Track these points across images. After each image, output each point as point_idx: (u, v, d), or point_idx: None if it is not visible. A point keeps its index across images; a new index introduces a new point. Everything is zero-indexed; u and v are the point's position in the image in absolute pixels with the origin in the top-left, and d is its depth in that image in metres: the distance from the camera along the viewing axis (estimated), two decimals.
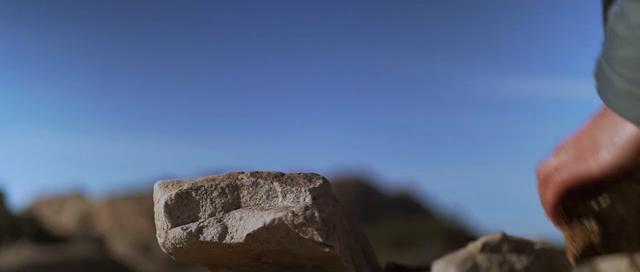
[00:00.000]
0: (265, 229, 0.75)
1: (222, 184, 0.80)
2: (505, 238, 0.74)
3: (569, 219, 0.80)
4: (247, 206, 0.79)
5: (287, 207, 0.76)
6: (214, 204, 0.79)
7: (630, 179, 0.77)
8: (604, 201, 0.78)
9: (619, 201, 0.78)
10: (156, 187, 0.82)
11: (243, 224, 0.76)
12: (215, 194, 0.79)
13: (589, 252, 0.80)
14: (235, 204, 0.79)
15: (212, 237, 0.77)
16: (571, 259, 0.81)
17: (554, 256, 0.77)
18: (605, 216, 0.78)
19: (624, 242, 0.79)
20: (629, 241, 0.79)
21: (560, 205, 0.80)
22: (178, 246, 0.78)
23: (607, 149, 0.74)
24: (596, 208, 0.78)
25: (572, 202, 0.79)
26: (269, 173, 0.80)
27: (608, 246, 0.79)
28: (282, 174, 0.80)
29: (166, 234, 0.79)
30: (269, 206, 0.77)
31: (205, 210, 0.79)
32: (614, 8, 0.73)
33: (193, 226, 0.78)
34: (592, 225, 0.79)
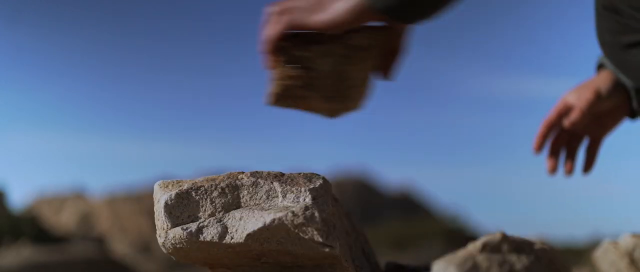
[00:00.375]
0: (265, 229, 0.75)
1: (222, 184, 0.80)
2: (505, 238, 0.75)
3: (280, 61, 0.84)
4: (247, 206, 0.79)
5: (287, 207, 0.76)
6: (214, 204, 0.79)
7: (339, 41, 0.84)
8: (314, 54, 0.84)
9: (325, 57, 0.84)
10: (156, 187, 0.82)
11: (243, 224, 0.76)
12: (215, 194, 0.79)
13: (285, 97, 0.85)
14: (235, 204, 0.79)
15: (212, 237, 0.77)
16: (268, 100, 0.86)
17: (554, 256, 0.77)
18: (310, 68, 0.84)
19: (317, 95, 0.85)
20: (320, 94, 0.85)
21: (278, 45, 0.85)
22: (178, 245, 0.78)
23: (332, 7, 0.83)
24: (305, 58, 0.84)
25: (287, 46, 0.84)
26: (269, 173, 0.80)
27: (303, 95, 0.84)
28: (282, 174, 0.80)
29: (166, 234, 0.79)
30: (269, 206, 0.77)
31: (205, 210, 0.79)
32: None
33: (193, 226, 0.78)
34: (297, 72, 0.84)
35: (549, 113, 1.34)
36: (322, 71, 0.85)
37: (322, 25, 0.84)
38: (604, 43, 1.10)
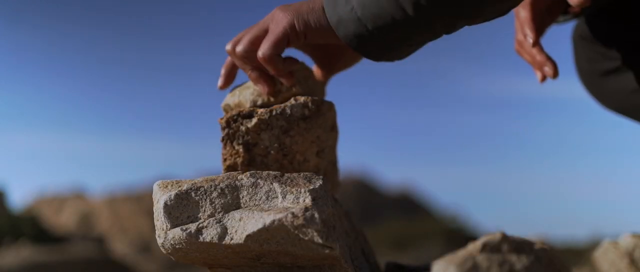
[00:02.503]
0: (265, 230, 0.74)
1: (221, 185, 0.79)
2: (505, 238, 0.74)
3: (225, 140, 0.87)
4: (246, 206, 0.78)
5: (286, 208, 0.76)
6: (213, 205, 0.79)
7: (278, 113, 0.86)
8: (253, 129, 0.86)
9: (265, 131, 0.86)
10: (156, 187, 0.81)
11: (243, 225, 0.76)
12: (214, 194, 0.79)
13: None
14: (235, 205, 0.79)
15: (212, 238, 0.77)
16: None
17: (554, 256, 0.77)
18: (252, 143, 0.87)
19: (263, 170, 0.87)
20: (267, 170, 0.87)
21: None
22: (177, 246, 0.78)
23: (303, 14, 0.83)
24: (246, 134, 0.86)
25: (228, 125, 0.86)
26: (268, 174, 0.80)
27: (248, 170, 0.85)
28: (282, 175, 0.80)
29: (165, 234, 0.78)
30: (269, 207, 0.77)
31: (204, 211, 0.79)
32: None
33: (192, 227, 0.77)
34: (239, 148, 0.87)
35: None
36: (264, 144, 0.87)
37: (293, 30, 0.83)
38: (581, 70, 1.13)
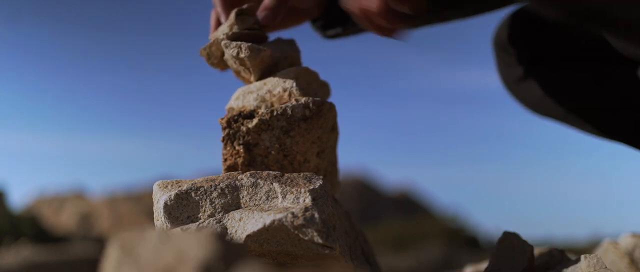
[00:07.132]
0: (265, 230, 0.74)
1: (221, 185, 0.79)
2: None
3: (226, 140, 0.87)
4: (246, 206, 0.78)
5: (286, 209, 0.75)
6: (213, 205, 0.79)
7: (278, 114, 0.86)
8: (254, 129, 0.86)
9: (266, 131, 0.86)
10: (156, 187, 0.81)
11: (243, 225, 0.76)
12: (214, 194, 0.79)
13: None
14: (235, 205, 0.79)
15: None
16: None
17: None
18: (252, 143, 0.87)
19: (263, 170, 0.87)
20: (267, 170, 0.87)
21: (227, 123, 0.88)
22: None
23: None
24: (246, 134, 0.87)
25: (229, 125, 0.87)
26: (268, 174, 0.80)
27: (248, 170, 0.86)
28: (282, 175, 0.80)
29: None
30: (269, 207, 0.77)
31: (204, 211, 0.79)
32: None
33: (192, 227, 0.77)
34: (240, 149, 0.87)
35: None
36: (265, 144, 0.87)
37: None
38: (501, 77, 1.21)
